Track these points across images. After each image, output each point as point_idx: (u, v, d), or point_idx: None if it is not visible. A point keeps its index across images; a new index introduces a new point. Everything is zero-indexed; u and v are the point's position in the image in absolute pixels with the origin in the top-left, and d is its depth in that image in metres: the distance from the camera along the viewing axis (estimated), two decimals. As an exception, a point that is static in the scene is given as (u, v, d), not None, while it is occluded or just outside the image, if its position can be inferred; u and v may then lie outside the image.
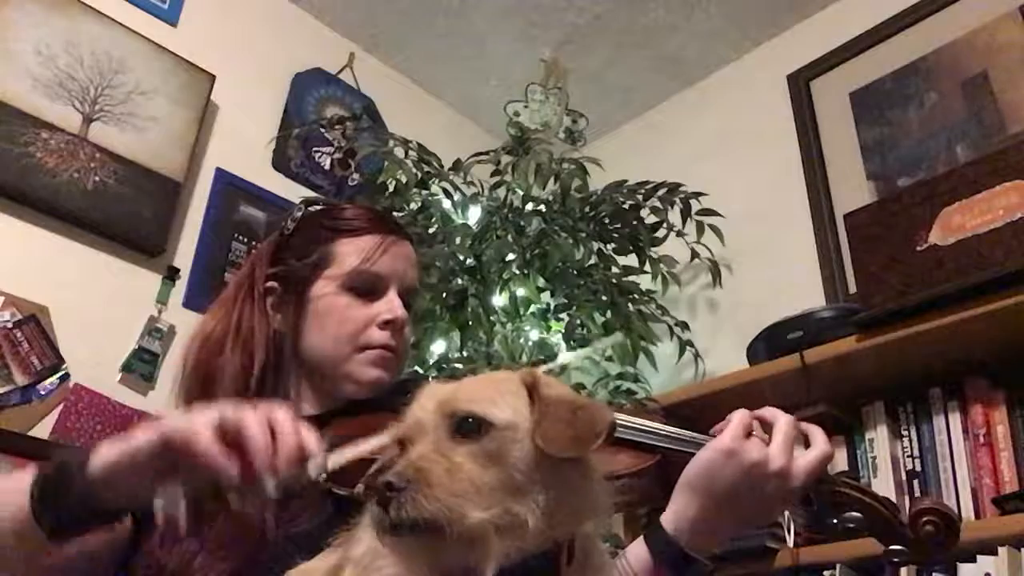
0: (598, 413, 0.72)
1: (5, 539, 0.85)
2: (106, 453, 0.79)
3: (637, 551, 0.91)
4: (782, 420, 0.92)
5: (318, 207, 1.22)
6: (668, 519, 0.92)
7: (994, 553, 1.61)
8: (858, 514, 0.92)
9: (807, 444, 0.94)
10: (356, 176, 2.70)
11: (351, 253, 1.12)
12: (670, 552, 0.90)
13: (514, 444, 0.68)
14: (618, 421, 0.94)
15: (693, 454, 0.93)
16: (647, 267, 2.29)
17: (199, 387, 1.07)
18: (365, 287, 1.11)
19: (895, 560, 0.91)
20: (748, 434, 0.90)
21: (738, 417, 0.92)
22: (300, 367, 1.11)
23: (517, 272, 2.12)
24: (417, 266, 1.21)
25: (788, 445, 0.90)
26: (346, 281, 1.11)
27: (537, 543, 0.67)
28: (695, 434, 0.96)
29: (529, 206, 2.24)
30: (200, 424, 0.75)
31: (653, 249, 2.31)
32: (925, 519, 0.88)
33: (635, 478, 0.92)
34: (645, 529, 0.94)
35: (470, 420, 0.68)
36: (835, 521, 0.93)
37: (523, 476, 0.67)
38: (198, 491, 0.75)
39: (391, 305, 1.11)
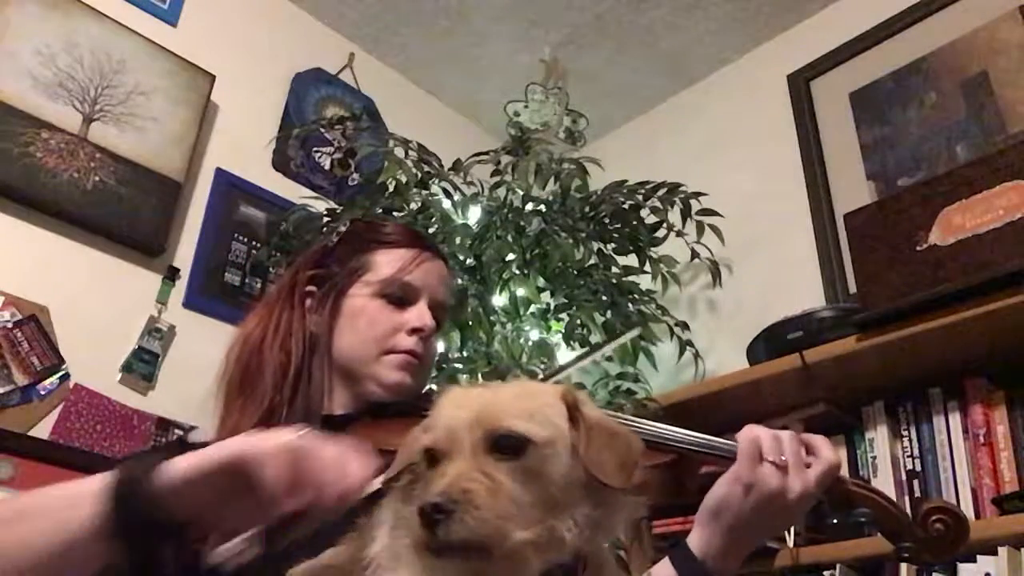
0: (631, 439, 0.73)
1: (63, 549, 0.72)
2: (181, 465, 0.72)
3: (664, 572, 0.94)
4: (786, 445, 0.92)
5: (362, 222, 1.29)
6: (695, 544, 0.95)
7: (994, 553, 1.61)
8: (868, 510, 0.93)
9: (807, 451, 0.95)
10: (356, 176, 2.70)
11: (388, 263, 1.19)
12: (697, 573, 0.93)
13: (553, 461, 0.68)
14: (637, 424, 0.96)
15: (706, 454, 0.95)
16: (647, 267, 2.29)
17: (240, 381, 1.11)
18: (398, 295, 1.17)
19: (905, 556, 0.92)
20: (759, 457, 0.91)
21: (745, 444, 0.92)
22: (331, 367, 1.16)
23: (517, 272, 2.11)
24: (448, 286, 1.27)
25: (801, 468, 0.92)
26: (380, 288, 1.17)
27: (567, 556, 0.67)
28: (711, 438, 0.97)
29: (529, 206, 2.24)
30: (275, 447, 0.70)
31: (653, 249, 2.30)
32: (935, 518, 0.89)
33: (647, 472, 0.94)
34: (670, 551, 0.96)
35: (509, 436, 0.68)
36: (844, 518, 0.94)
37: (561, 492, 0.68)
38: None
39: (420, 313, 1.17)
